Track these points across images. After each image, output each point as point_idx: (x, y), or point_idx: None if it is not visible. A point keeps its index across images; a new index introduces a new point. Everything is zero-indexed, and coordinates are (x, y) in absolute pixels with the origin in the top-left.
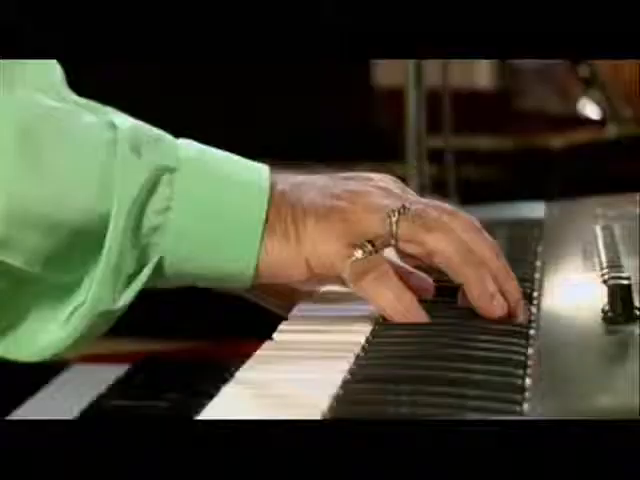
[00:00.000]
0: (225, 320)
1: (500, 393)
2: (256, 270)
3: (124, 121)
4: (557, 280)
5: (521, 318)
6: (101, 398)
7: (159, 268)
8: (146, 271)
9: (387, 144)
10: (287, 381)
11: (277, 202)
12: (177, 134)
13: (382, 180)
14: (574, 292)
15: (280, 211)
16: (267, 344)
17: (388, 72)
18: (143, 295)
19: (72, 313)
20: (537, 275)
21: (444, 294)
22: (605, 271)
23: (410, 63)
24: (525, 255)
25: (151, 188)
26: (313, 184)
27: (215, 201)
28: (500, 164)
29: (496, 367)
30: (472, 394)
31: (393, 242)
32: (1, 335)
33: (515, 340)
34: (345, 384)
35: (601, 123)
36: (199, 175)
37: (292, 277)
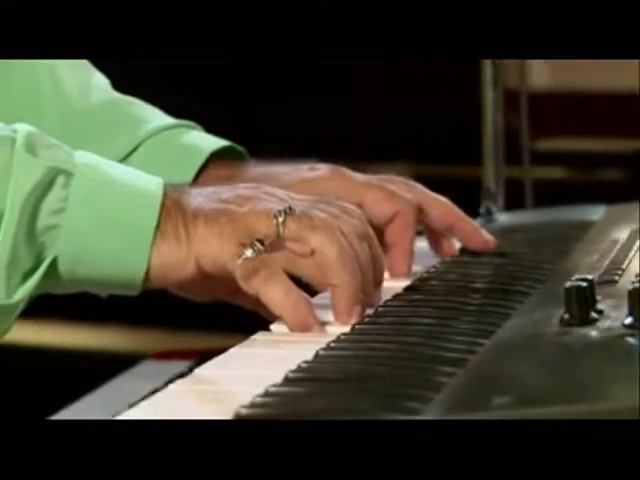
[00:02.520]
0: None
1: (415, 390)
2: (147, 274)
3: (24, 126)
4: (553, 283)
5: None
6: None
7: (54, 269)
8: (41, 268)
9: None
10: (232, 379)
11: (169, 209)
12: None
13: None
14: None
15: (171, 217)
16: (250, 339)
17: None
18: None
19: None
20: (540, 277)
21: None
22: (600, 273)
23: (487, 63)
24: (548, 256)
25: (45, 187)
26: (203, 192)
27: (109, 206)
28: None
29: (423, 364)
30: (391, 392)
31: (281, 242)
32: None
33: (468, 339)
34: (274, 385)
35: None
36: (95, 181)
37: (183, 278)
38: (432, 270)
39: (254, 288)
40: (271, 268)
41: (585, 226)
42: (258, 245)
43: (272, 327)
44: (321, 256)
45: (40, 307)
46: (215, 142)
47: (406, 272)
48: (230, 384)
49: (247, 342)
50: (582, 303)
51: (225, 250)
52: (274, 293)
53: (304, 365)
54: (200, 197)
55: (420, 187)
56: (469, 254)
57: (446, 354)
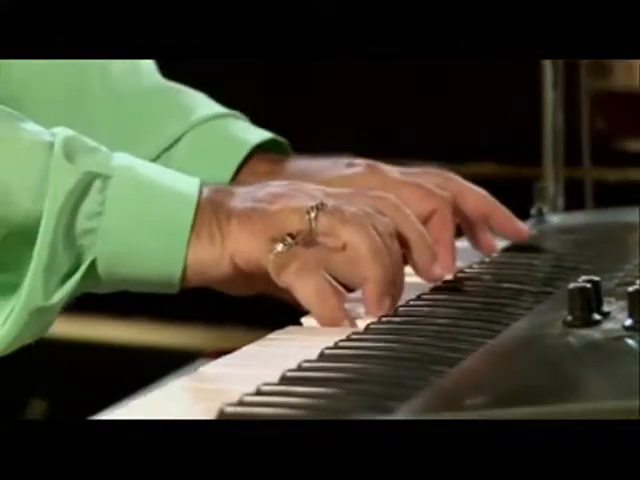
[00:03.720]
0: None
1: (399, 390)
2: (184, 273)
3: (63, 130)
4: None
5: (437, 278)
6: None
7: (93, 270)
8: (80, 271)
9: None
10: (234, 377)
11: (203, 209)
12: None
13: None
14: None
15: (206, 218)
16: (267, 336)
17: None
18: None
19: (10, 313)
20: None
21: None
22: (622, 275)
23: (547, 64)
24: (591, 257)
25: (82, 192)
26: (237, 191)
27: (145, 209)
28: None
29: (419, 364)
30: (375, 392)
31: (313, 236)
32: None
33: (472, 339)
34: (267, 384)
35: None
36: (131, 184)
37: (220, 276)
38: (466, 270)
39: (285, 282)
40: (302, 262)
41: (629, 228)
42: (289, 239)
43: (303, 320)
44: (352, 249)
45: (90, 303)
46: (259, 134)
47: (450, 268)
48: (230, 383)
49: (263, 339)
50: (585, 304)
51: (257, 246)
52: (304, 287)
53: (305, 364)
54: (234, 197)
55: (456, 178)
56: (509, 254)
57: (446, 354)
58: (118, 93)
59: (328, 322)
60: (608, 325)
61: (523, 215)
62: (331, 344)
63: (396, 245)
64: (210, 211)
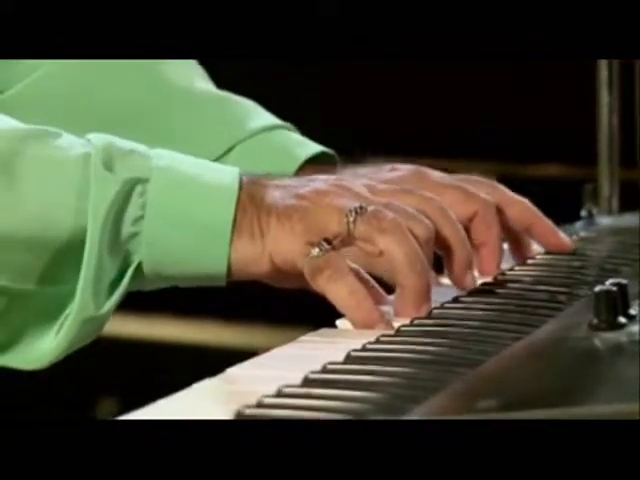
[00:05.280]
0: None
1: (416, 392)
2: (229, 269)
3: (98, 136)
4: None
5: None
6: None
7: (139, 273)
8: (127, 276)
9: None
10: (259, 379)
11: (244, 204)
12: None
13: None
14: None
15: (246, 212)
16: (298, 339)
17: None
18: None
19: (63, 323)
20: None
21: None
22: None
23: (602, 65)
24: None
25: (124, 199)
26: (280, 184)
27: (185, 207)
28: None
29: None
30: (393, 393)
31: (351, 240)
32: (3, 348)
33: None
34: (288, 386)
35: None
36: (170, 183)
37: (259, 274)
38: (507, 272)
39: (320, 287)
40: (336, 267)
41: None
42: (325, 245)
43: (338, 323)
44: (389, 258)
45: (159, 302)
46: (310, 147)
47: (494, 270)
48: (255, 384)
49: (295, 341)
50: (610, 307)
51: (295, 248)
52: (338, 291)
53: (329, 366)
54: (276, 191)
55: (500, 187)
56: (551, 256)
57: (471, 356)
58: (171, 95)
59: (362, 324)
60: (634, 328)
61: (575, 216)
62: (359, 346)
63: (431, 251)
64: (250, 207)
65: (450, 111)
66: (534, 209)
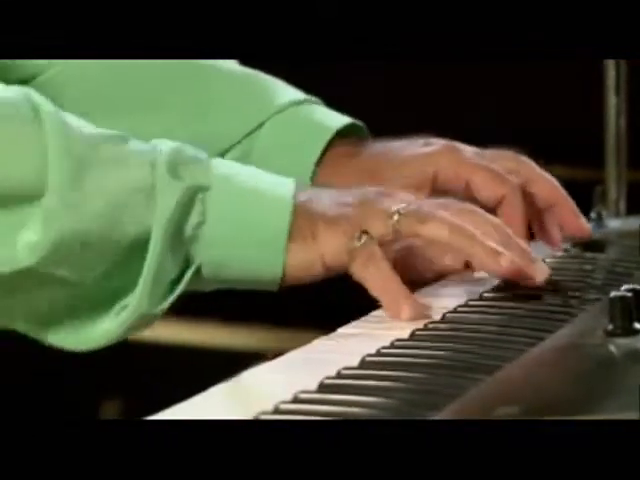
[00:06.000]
0: None
1: (433, 398)
2: (283, 276)
3: (163, 141)
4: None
5: (539, 277)
6: None
7: (198, 275)
8: (185, 278)
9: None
10: (272, 383)
11: (298, 214)
12: None
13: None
14: None
15: (300, 221)
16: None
17: None
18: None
19: (117, 314)
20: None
21: None
22: None
23: (610, 66)
24: (636, 262)
25: (187, 205)
26: (327, 195)
27: (244, 215)
28: None
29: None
30: (409, 400)
31: (399, 239)
32: (57, 329)
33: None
34: (305, 392)
35: None
36: (230, 191)
37: (313, 277)
38: None
39: (355, 273)
40: (371, 254)
41: None
42: (365, 237)
43: (340, 330)
44: (438, 242)
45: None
46: (339, 119)
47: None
48: (269, 389)
49: (309, 345)
50: (626, 313)
51: (342, 247)
52: (372, 278)
53: (344, 371)
54: (324, 200)
55: (529, 162)
56: (562, 259)
57: (487, 362)
58: (201, 72)
59: (394, 313)
60: None
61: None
62: (374, 351)
63: (486, 218)
64: (303, 216)
65: (454, 111)
66: (561, 189)
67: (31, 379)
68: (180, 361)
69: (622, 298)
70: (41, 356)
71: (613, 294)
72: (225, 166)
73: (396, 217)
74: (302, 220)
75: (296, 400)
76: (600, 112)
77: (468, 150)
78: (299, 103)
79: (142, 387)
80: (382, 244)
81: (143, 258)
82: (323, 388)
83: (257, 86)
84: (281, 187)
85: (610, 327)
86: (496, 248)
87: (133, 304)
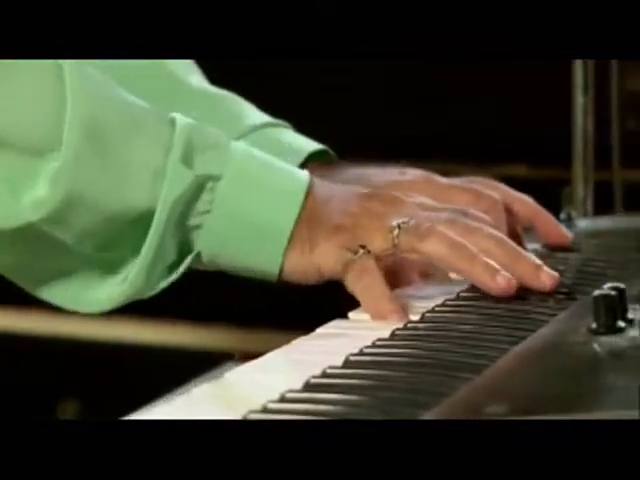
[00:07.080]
0: None
1: (419, 397)
2: (281, 272)
3: (184, 122)
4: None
5: (548, 285)
6: None
7: (195, 261)
8: (183, 264)
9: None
10: (256, 383)
11: (302, 219)
12: None
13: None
14: None
15: (302, 227)
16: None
17: None
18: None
19: (112, 288)
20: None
21: None
22: None
23: (578, 66)
24: (618, 263)
25: (195, 192)
26: (334, 200)
27: (250, 211)
28: None
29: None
30: (395, 399)
31: (397, 254)
32: (52, 287)
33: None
34: (291, 391)
35: None
36: (241, 184)
37: (308, 281)
38: None
39: (349, 286)
40: (365, 268)
41: None
42: (361, 250)
43: (318, 330)
44: (436, 259)
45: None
46: (310, 143)
47: None
48: (254, 389)
49: (289, 345)
50: (610, 312)
51: (338, 259)
52: (364, 292)
53: (329, 371)
54: (332, 205)
55: (501, 186)
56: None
57: (471, 361)
58: (176, 88)
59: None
60: (634, 333)
61: None
62: (356, 350)
63: (489, 233)
64: (307, 222)
65: (454, 111)
66: (536, 204)
67: None
68: (140, 361)
69: (606, 296)
70: None
71: (597, 292)
72: (242, 153)
73: (396, 232)
74: (305, 226)
75: (284, 400)
76: (567, 112)
77: (443, 179)
78: (273, 125)
79: (100, 388)
80: (379, 258)
81: (145, 236)
82: (309, 387)
83: (230, 107)
84: (293, 184)
85: (594, 325)
86: (494, 267)
87: (130, 282)
